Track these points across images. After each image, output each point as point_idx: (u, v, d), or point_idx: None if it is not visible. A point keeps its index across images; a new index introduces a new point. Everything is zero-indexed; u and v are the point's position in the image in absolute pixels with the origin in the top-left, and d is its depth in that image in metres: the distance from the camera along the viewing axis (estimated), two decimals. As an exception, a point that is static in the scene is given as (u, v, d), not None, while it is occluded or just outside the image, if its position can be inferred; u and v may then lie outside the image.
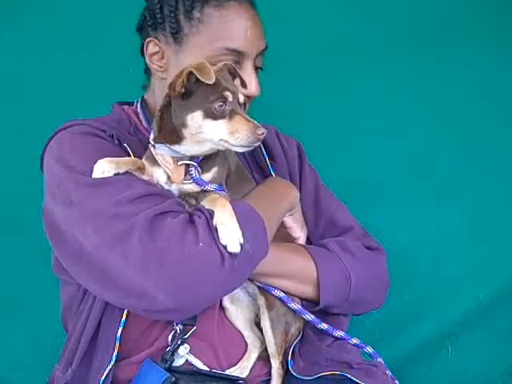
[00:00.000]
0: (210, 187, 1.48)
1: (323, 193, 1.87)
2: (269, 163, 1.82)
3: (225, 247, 1.36)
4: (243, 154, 1.76)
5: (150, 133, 1.56)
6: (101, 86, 2.16)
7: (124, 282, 1.39)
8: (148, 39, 1.67)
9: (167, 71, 1.66)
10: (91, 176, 1.44)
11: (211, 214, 1.40)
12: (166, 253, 1.36)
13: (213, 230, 1.38)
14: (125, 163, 1.49)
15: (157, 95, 1.71)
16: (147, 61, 1.69)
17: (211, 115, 1.39)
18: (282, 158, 1.86)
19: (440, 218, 2.28)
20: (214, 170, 1.51)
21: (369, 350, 1.71)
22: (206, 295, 1.42)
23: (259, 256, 1.46)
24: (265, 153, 1.83)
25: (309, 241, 1.80)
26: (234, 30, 1.62)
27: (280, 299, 1.61)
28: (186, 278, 1.36)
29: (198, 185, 1.48)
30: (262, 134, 1.37)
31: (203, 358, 1.57)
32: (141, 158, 1.56)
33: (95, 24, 2.21)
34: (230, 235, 1.37)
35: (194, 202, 1.50)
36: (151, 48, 1.67)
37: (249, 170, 1.78)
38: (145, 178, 1.52)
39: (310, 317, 1.65)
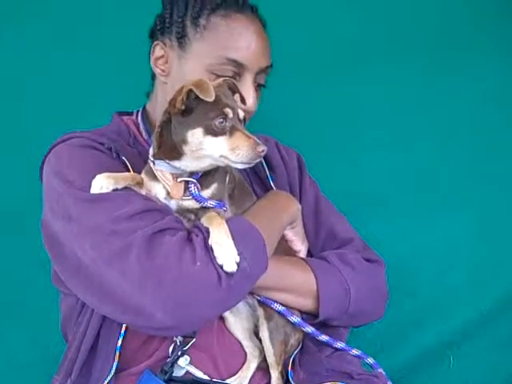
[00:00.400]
0: (209, 204, 1.47)
1: (323, 205, 1.87)
2: (269, 174, 1.83)
3: (221, 266, 1.36)
4: None
5: (149, 145, 1.56)
6: (102, 90, 2.16)
7: (121, 298, 1.39)
8: (155, 42, 1.68)
9: (169, 75, 1.67)
10: (90, 191, 1.44)
11: (209, 232, 1.41)
12: (164, 271, 1.37)
13: (210, 249, 1.39)
14: (123, 178, 1.48)
15: (159, 101, 1.72)
16: (152, 64, 1.70)
17: (212, 132, 1.39)
18: (281, 169, 1.86)
19: (441, 229, 2.27)
20: (214, 186, 1.51)
21: (370, 360, 1.71)
22: (204, 314, 1.42)
23: (258, 273, 1.46)
24: (265, 164, 1.83)
25: (309, 253, 1.80)
26: (238, 41, 1.63)
27: (279, 313, 1.61)
28: (184, 296, 1.37)
29: (198, 201, 1.47)
30: (263, 151, 1.37)
31: (203, 368, 1.56)
32: (140, 171, 1.55)
33: (98, 26, 2.21)
34: (226, 255, 1.37)
35: (193, 217, 1.50)
36: (157, 51, 1.68)
37: (249, 182, 1.78)
38: (143, 192, 1.52)
39: (309, 329, 1.65)
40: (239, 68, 1.62)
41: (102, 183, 1.43)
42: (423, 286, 2.26)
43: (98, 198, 1.44)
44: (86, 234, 1.44)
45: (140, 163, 1.58)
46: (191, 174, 1.47)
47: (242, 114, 1.44)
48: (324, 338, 1.66)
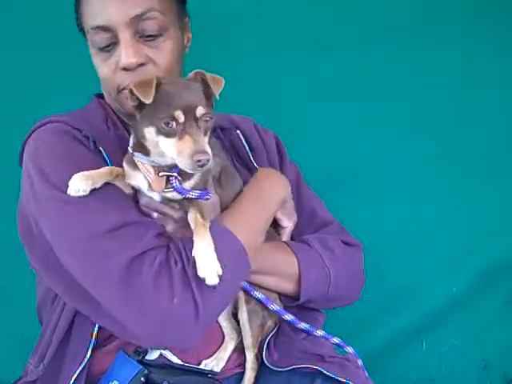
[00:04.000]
0: (191, 195, 1.44)
1: (304, 187, 1.88)
2: (250, 154, 1.81)
3: (203, 280, 1.35)
4: (224, 146, 1.75)
5: (128, 131, 1.54)
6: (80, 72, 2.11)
7: (102, 310, 1.41)
8: None
9: None
10: (65, 191, 1.40)
11: (189, 256, 1.39)
12: (143, 303, 1.36)
13: (189, 279, 1.37)
14: (101, 176, 1.44)
15: None
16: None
17: (163, 132, 1.34)
18: (261, 149, 1.85)
19: (411, 211, 2.31)
20: (197, 175, 1.47)
21: (335, 340, 1.72)
22: (184, 344, 1.44)
23: (237, 288, 1.50)
24: (245, 144, 1.82)
25: None
26: (92, 6, 1.58)
27: (259, 301, 1.61)
28: (163, 331, 1.38)
29: (180, 194, 1.44)
30: (199, 161, 1.30)
31: (178, 352, 1.55)
32: (118, 158, 1.51)
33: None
34: (208, 268, 1.36)
35: (177, 205, 1.49)
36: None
37: (231, 162, 1.77)
38: (122, 185, 1.49)
39: (289, 317, 1.65)
40: (110, 32, 1.57)
41: (80, 186, 1.39)
42: (395, 270, 2.29)
43: (73, 202, 1.41)
44: (60, 238, 1.43)
45: (117, 149, 1.55)
46: (171, 168, 1.43)
47: (198, 113, 1.35)
48: (303, 325, 1.67)
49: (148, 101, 1.32)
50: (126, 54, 1.56)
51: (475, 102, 2.29)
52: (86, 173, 1.42)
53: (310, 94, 2.28)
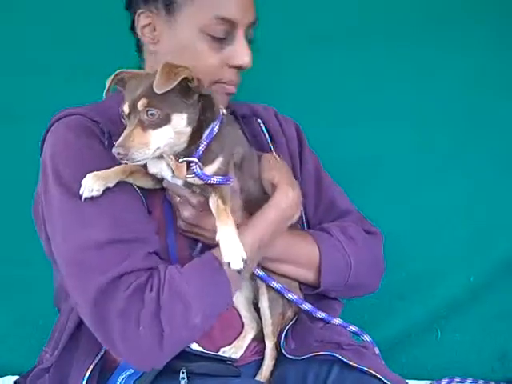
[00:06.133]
0: (213, 180, 1.44)
1: (324, 176, 1.88)
2: (270, 143, 1.81)
3: (228, 264, 1.36)
4: (245, 134, 1.74)
5: None
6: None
7: None
8: (139, 11, 1.64)
9: (159, 43, 1.65)
10: (74, 194, 1.42)
11: (164, 285, 1.40)
12: (112, 327, 1.38)
13: (160, 310, 1.37)
14: (114, 175, 1.45)
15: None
16: (139, 33, 1.66)
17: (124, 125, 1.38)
18: (281, 138, 1.84)
19: (427, 200, 2.29)
20: (219, 160, 1.46)
21: (352, 328, 1.72)
22: (152, 366, 1.45)
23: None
24: (266, 133, 1.82)
25: (308, 222, 1.82)
26: None
27: (277, 291, 1.62)
28: (130, 354, 1.40)
29: (201, 179, 1.45)
30: (118, 154, 1.31)
31: (198, 338, 1.54)
32: None
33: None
34: (232, 252, 1.37)
35: (198, 190, 1.49)
36: (143, 20, 1.64)
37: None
38: (138, 181, 1.52)
39: (307, 306, 1.66)
40: (231, 26, 1.60)
41: (93, 186, 1.41)
42: (411, 258, 2.28)
43: (75, 210, 1.44)
44: (55, 240, 1.48)
45: None
46: (189, 151, 1.43)
47: (140, 106, 1.34)
48: (321, 314, 1.67)
49: (104, 94, 1.39)
50: (247, 53, 1.63)
51: (492, 94, 2.26)
52: (98, 172, 1.43)
53: (330, 83, 2.27)
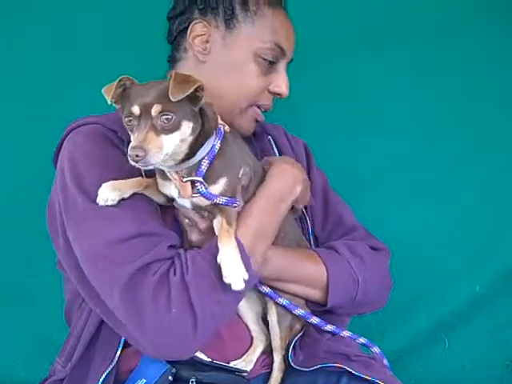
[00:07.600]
0: (218, 200, 1.45)
1: (331, 193, 1.89)
2: None
3: (229, 286, 1.38)
4: (255, 150, 1.77)
5: None
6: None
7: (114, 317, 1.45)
8: (196, 21, 1.68)
9: (209, 55, 1.68)
10: (94, 199, 1.45)
11: (188, 266, 1.42)
12: (143, 315, 1.39)
13: (188, 288, 1.39)
14: (130, 186, 1.48)
15: None
16: (190, 41, 1.69)
17: (128, 129, 1.38)
18: (290, 155, 1.86)
19: (436, 211, 2.30)
20: (223, 180, 1.46)
21: (361, 340, 1.73)
22: (185, 354, 1.46)
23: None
24: (276, 151, 1.85)
25: (315, 238, 1.83)
26: (284, 30, 1.70)
27: (284, 307, 1.62)
28: (163, 342, 1.40)
29: (207, 198, 1.45)
30: (137, 155, 1.29)
31: (208, 351, 1.56)
32: None
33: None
34: (234, 273, 1.38)
35: (206, 214, 1.51)
36: (198, 30, 1.68)
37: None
38: (153, 195, 1.53)
39: (315, 321, 1.66)
40: (280, 54, 1.69)
41: (108, 195, 1.44)
42: (417, 268, 2.28)
43: (98, 210, 1.45)
44: (81, 243, 1.47)
45: None
46: (192, 170, 1.44)
47: (154, 111, 1.34)
48: (329, 327, 1.68)
49: (108, 99, 1.37)
50: (287, 84, 1.73)
51: (500, 103, 2.28)
52: (115, 182, 1.45)
53: (333, 96, 2.30)
